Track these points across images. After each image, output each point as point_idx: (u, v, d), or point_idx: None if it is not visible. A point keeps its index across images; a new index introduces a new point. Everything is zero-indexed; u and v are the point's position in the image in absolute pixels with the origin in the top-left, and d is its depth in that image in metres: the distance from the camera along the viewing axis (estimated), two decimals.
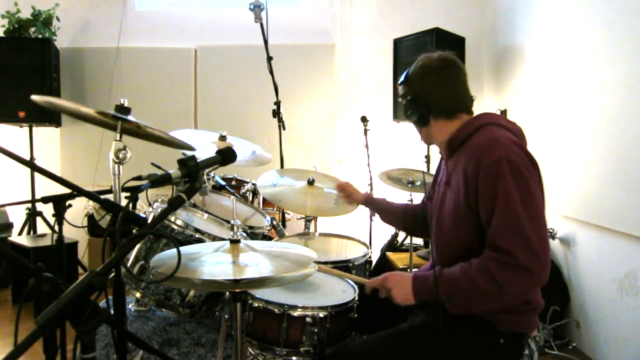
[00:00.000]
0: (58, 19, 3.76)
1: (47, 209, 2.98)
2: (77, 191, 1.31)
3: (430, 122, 1.48)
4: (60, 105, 1.95)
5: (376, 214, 1.96)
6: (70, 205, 1.61)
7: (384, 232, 3.38)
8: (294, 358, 1.43)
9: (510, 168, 1.25)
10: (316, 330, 1.41)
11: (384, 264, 3.34)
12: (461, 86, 1.49)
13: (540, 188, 1.30)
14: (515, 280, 1.22)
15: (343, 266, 1.88)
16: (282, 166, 3.02)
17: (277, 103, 2.94)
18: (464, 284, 1.27)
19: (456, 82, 1.48)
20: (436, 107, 1.46)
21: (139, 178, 1.59)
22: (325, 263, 1.85)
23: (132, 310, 2.54)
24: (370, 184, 3.27)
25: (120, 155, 1.78)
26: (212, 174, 2.62)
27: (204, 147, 2.56)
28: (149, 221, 1.41)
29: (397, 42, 3.55)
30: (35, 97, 1.72)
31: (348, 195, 2.06)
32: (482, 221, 1.30)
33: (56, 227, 1.59)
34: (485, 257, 1.27)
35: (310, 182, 2.27)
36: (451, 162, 1.45)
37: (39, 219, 3.60)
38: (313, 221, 2.60)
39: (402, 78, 1.54)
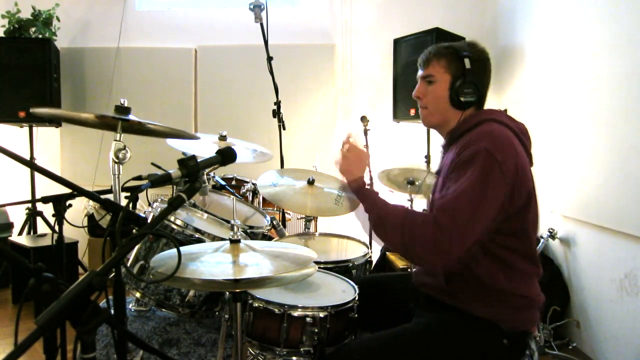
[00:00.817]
0: (58, 19, 3.77)
1: (47, 209, 2.98)
2: (77, 191, 1.31)
3: (470, 107, 1.45)
4: (60, 115, 1.95)
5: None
6: (70, 205, 1.61)
7: None
8: (294, 358, 1.43)
9: (486, 159, 1.26)
10: (316, 330, 1.41)
11: (384, 264, 3.34)
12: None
13: (500, 192, 1.27)
14: (423, 243, 1.24)
15: (343, 266, 1.88)
16: (282, 166, 3.02)
17: (277, 103, 2.94)
18: (394, 211, 1.34)
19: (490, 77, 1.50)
20: (482, 95, 1.46)
21: (139, 178, 1.58)
22: (326, 263, 1.85)
23: (132, 310, 2.54)
24: (370, 184, 3.27)
25: (120, 155, 1.78)
26: (212, 174, 2.61)
27: (204, 148, 2.56)
28: (149, 221, 1.41)
29: (397, 42, 3.55)
30: (35, 110, 1.72)
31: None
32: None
33: (56, 227, 1.59)
34: (426, 215, 1.32)
35: (310, 182, 2.27)
36: (448, 154, 1.46)
37: (39, 219, 3.60)
38: (313, 221, 2.60)
39: (463, 49, 1.44)
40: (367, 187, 1.48)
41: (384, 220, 1.34)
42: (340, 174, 1.53)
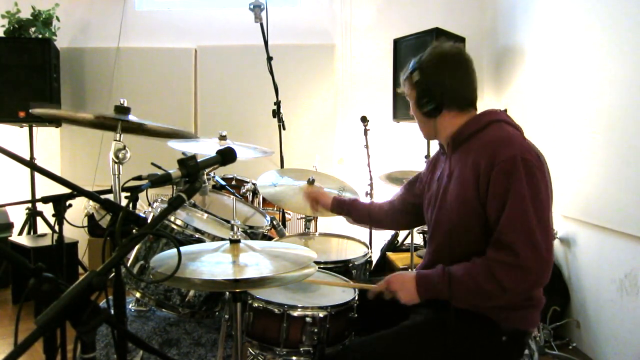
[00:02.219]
0: (58, 19, 3.76)
1: (47, 209, 2.98)
2: (77, 191, 1.31)
3: (442, 113, 1.44)
4: (60, 115, 1.96)
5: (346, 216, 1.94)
6: (70, 205, 1.61)
7: (384, 232, 3.38)
8: (294, 358, 1.43)
9: (525, 167, 1.26)
10: (316, 330, 1.41)
11: (384, 264, 3.34)
12: (474, 79, 1.48)
13: (548, 189, 1.32)
14: (517, 280, 1.23)
15: (343, 266, 1.88)
16: (282, 166, 3.02)
17: (277, 103, 2.94)
18: (468, 284, 1.29)
19: (470, 73, 1.47)
20: (451, 97, 1.43)
21: (139, 178, 1.58)
22: (326, 263, 1.85)
23: (132, 310, 2.53)
24: (370, 184, 3.27)
25: (120, 155, 1.78)
26: (212, 174, 2.61)
27: (205, 148, 2.56)
28: (149, 221, 1.41)
29: (397, 42, 3.55)
30: (34, 110, 1.73)
31: (315, 201, 1.98)
32: (489, 216, 1.30)
33: (56, 227, 1.59)
34: (489, 258, 1.27)
35: (310, 182, 2.27)
36: (455, 157, 1.44)
37: (39, 219, 3.60)
38: (313, 221, 2.60)
39: (413, 65, 1.47)
40: (430, 283, 1.36)
41: (469, 297, 1.32)
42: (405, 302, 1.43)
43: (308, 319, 1.40)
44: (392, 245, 3.47)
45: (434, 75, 1.43)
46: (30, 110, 1.75)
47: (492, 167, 1.29)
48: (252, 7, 2.80)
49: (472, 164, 1.34)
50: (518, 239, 1.22)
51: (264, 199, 2.79)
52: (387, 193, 2.72)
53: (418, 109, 1.48)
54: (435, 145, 3.52)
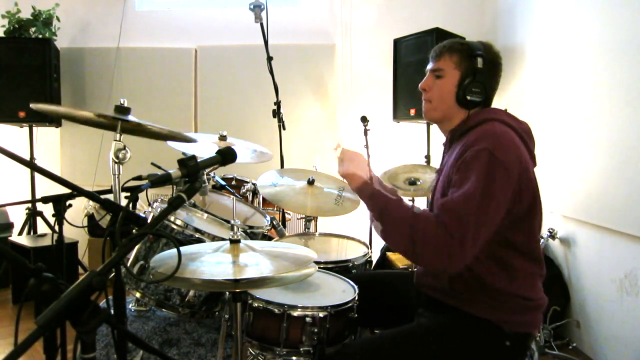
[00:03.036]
0: (58, 19, 3.76)
1: (47, 209, 2.98)
2: (77, 191, 1.31)
3: (475, 107, 1.43)
4: (60, 112, 1.95)
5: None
6: (70, 205, 1.61)
7: None
8: (294, 358, 1.43)
9: (489, 161, 1.24)
10: (316, 330, 1.41)
11: (384, 264, 3.34)
12: None
13: (508, 192, 1.26)
14: (433, 249, 1.20)
15: (343, 266, 1.88)
16: (282, 166, 3.02)
17: (277, 103, 2.94)
18: (400, 214, 1.27)
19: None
20: (488, 97, 1.45)
21: (139, 178, 1.58)
22: (326, 263, 1.85)
23: (132, 310, 2.53)
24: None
25: (120, 155, 1.77)
26: (212, 174, 2.61)
27: (205, 148, 2.56)
28: (149, 221, 1.41)
29: (397, 42, 3.55)
30: (34, 105, 1.72)
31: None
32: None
33: (56, 227, 1.59)
34: (428, 215, 1.27)
35: (310, 182, 2.28)
36: (449, 153, 1.45)
37: (39, 219, 3.60)
38: (313, 221, 2.60)
39: (477, 49, 1.42)
40: (374, 190, 1.38)
41: (388, 223, 1.29)
42: (345, 180, 1.46)
43: (308, 319, 1.40)
44: None
45: (494, 73, 1.45)
46: (30, 105, 1.75)
47: (460, 157, 1.29)
48: (252, 7, 2.81)
49: (455, 159, 1.35)
50: (452, 220, 1.20)
51: (264, 199, 2.79)
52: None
53: (457, 93, 1.41)
54: (435, 145, 3.52)
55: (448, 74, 1.43)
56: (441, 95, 1.44)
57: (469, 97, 1.39)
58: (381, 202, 1.33)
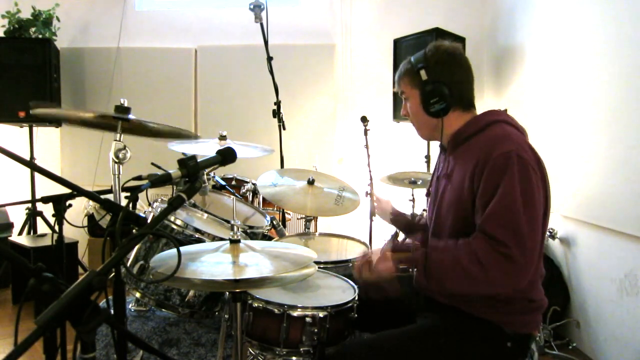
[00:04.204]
0: (58, 19, 3.76)
1: (47, 209, 2.98)
2: (77, 191, 1.31)
3: (448, 112, 1.41)
4: (60, 115, 1.96)
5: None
6: (70, 205, 1.61)
7: (384, 231, 3.37)
8: (293, 358, 1.43)
9: (519, 163, 1.24)
10: (316, 330, 1.41)
11: None
12: (473, 78, 1.47)
13: (543, 190, 1.29)
14: (499, 267, 1.20)
15: (343, 266, 1.88)
16: (282, 166, 3.02)
17: (277, 103, 2.94)
18: (446, 258, 1.26)
19: (472, 72, 1.46)
20: (458, 96, 1.42)
21: (139, 178, 1.59)
22: (326, 263, 1.85)
23: (132, 310, 2.53)
24: (370, 184, 3.26)
25: (120, 155, 1.78)
26: (212, 174, 2.61)
27: (205, 148, 2.56)
28: (149, 221, 1.41)
29: (397, 42, 3.55)
30: (34, 111, 1.73)
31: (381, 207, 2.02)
32: (476, 208, 1.28)
33: (56, 227, 1.59)
34: (475, 238, 1.25)
35: (310, 182, 2.28)
36: (453, 157, 1.43)
37: (39, 219, 3.60)
38: (313, 221, 2.60)
39: (416, 64, 1.43)
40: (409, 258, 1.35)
41: (443, 272, 1.27)
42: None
43: (308, 319, 1.40)
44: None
45: (445, 73, 1.41)
46: (30, 111, 1.75)
47: (486, 163, 1.27)
48: (252, 7, 2.80)
49: (469, 165, 1.33)
50: (506, 233, 1.19)
51: (264, 199, 2.79)
52: (387, 192, 2.72)
53: (424, 108, 1.43)
54: (435, 145, 3.52)
55: (409, 95, 1.49)
56: (416, 116, 1.50)
57: (432, 110, 1.41)
58: (413, 258, 1.33)
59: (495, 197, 1.23)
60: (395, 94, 3.57)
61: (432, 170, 1.73)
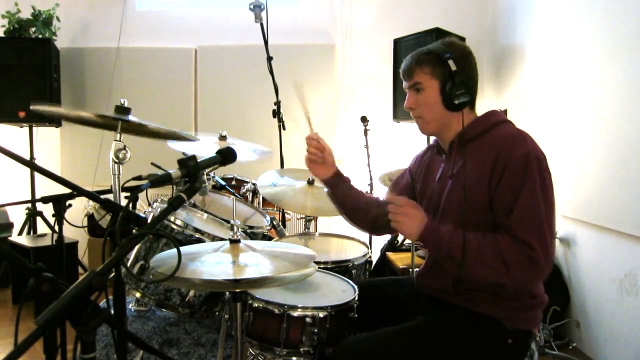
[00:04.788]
0: (58, 19, 3.76)
1: (47, 209, 2.98)
2: (77, 191, 1.31)
3: (466, 107, 1.40)
4: (60, 113, 1.95)
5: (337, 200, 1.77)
6: (70, 205, 1.61)
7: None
8: (294, 358, 1.43)
9: (538, 164, 1.28)
10: (316, 330, 1.41)
11: (384, 264, 3.34)
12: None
13: (553, 190, 1.33)
14: (522, 267, 1.23)
15: (343, 266, 1.88)
16: (282, 166, 3.02)
17: (277, 103, 2.94)
18: (472, 250, 1.26)
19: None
20: (475, 93, 1.42)
21: (139, 178, 1.59)
22: (326, 263, 1.85)
23: (132, 310, 2.53)
24: (371, 184, 3.27)
25: (120, 155, 1.78)
26: (212, 174, 2.61)
27: (205, 148, 2.56)
28: (149, 221, 1.41)
29: (397, 42, 3.55)
30: (34, 107, 1.72)
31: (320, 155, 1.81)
32: (497, 210, 1.30)
33: (56, 227, 1.59)
34: (502, 237, 1.26)
35: (310, 182, 2.28)
36: (459, 157, 1.41)
37: (39, 219, 3.60)
38: (313, 221, 2.60)
39: (445, 52, 1.38)
40: (437, 234, 1.30)
41: (468, 257, 1.27)
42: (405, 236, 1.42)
43: (308, 319, 1.40)
44: (392, 245, 3.47)
45: (469, 67, 1.41)
46: (30, 107, 1.75)
47: (506, 163, 1.28)
48: (252, 7, 2.81)
49: (486, 164, 1.32)
50: (532, 236, 1.23)
51: (264, 199, 2.80)
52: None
53: (443, 100, 1.39)
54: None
55: (427, 85, 1.41)
56: (430, 108, 1.42)
57: (457, 101, 1.38)
58: (442, 244, 1.30)
59: (519, 199, 1.26)
60: (395, 94, 3.57)
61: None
